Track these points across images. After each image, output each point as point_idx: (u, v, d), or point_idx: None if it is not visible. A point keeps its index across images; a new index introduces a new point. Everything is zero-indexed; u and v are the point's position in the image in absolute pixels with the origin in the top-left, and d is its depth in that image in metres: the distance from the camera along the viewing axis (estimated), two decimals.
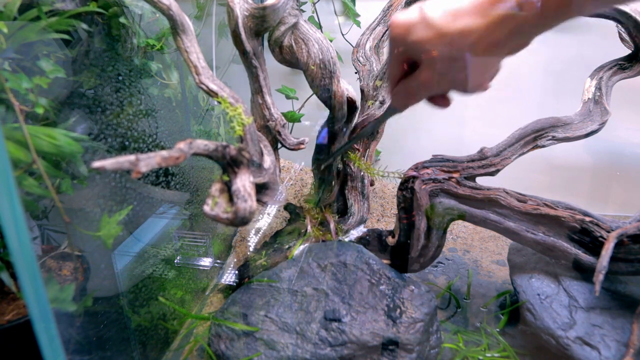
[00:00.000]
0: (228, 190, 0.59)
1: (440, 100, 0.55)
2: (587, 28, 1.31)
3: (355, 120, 1.10)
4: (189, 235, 1.11)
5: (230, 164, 0.60)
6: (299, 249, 1.06)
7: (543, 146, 0.97)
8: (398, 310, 0.85)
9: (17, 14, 0.69)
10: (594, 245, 0.88)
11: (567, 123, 0.99)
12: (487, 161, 0.96)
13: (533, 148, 0.97)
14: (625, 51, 1.06)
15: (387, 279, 0.91)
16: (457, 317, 1.06)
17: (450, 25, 0.46)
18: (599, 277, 0.82)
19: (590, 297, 0.88)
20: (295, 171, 1.65)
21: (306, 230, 1.13)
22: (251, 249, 1.27)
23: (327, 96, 0.95)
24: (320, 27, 1.46)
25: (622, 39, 1.06)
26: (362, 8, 1.49)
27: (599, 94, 1.03)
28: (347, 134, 1.07)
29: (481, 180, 0.98)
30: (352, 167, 1.15)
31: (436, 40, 0.46)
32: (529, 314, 0.90)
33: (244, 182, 0.59)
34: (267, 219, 1.40)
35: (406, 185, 0.99)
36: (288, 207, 1.22)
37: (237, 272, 1.13)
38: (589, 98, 1.03)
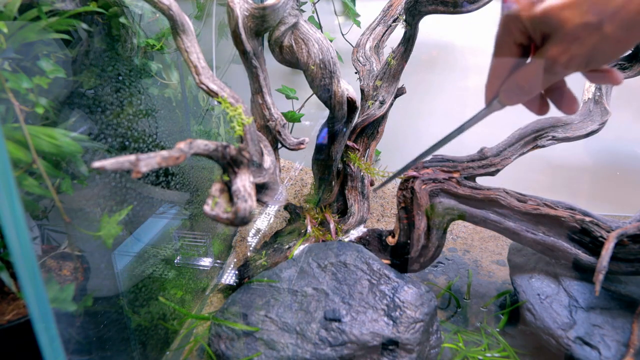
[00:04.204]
0: (228, 190, 0.59)
1: (539, 103, 0.50)
2: None
3: (355, 120, 1.10)
4: (189, 235, 1.11)
5: (230, 164, 0.60)
6: (299, 249, 1.06)
7: (543, 146, 0.97)
8: (398, 310, 0.85)
9: (17, 14, 0.69)
10: (594, 245, 0.88)
11: (567, 123, 0.99)
12: (487, 161, 0.96)
13: (533, 148, 0.97)
14: None
15: (387, 279, 0.91)
16: (457, 317, 1.06)
17: None
18: (599, 277, 0.82)
19: (590, 297, 0.88)
20: (295, 171, 1.65)
21: (306, 230, 1.13)
22: (251, 249, 1.27)
23: (327, 96, 0.95)
24: (320, 27, 1.46)
25: None
26: (362, 8, 1.49)
27: (599, 94, 1.03)
28: (347, 134, 1.07)
29: (481, 180, 0.98)
30: (352, 167, 1.16)
31: (576, 5, 0.40)
32: (529, 314, 0.90)
33: (244, 182, 0.59)
34: (267, 219, 1.40)
35: (406, 185, 0.99)
36: (288, 207, 1.22)
37: (237, 272, 1.13)
38: (589, 98, 1.03)
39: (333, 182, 1.16)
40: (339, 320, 0.84)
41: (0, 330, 0.75)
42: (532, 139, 0.97)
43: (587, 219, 0.88)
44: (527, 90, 0.48)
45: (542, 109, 0.50)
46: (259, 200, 0.73)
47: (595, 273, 0.83)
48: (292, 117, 1.41)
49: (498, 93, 0.50)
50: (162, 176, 0.99)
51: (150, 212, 0.98)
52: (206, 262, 1.14)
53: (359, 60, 1.22)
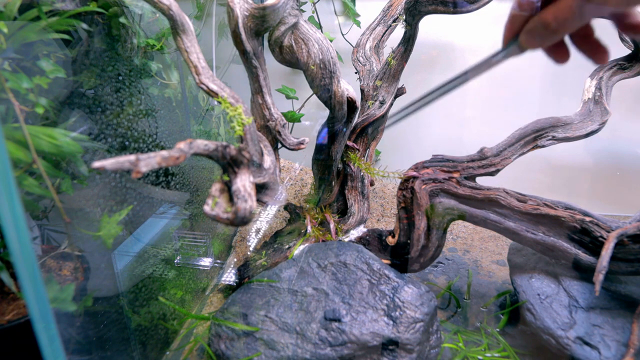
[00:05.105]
0: (228, 190, 0.59)
1: (561, 50, 0.45)
2: None
3: (355, 120, 1.10)
4: (189, 235, 1.11)
5: (230, 164, 0.60)
6: (299, 249, 1.06)
7: (543, 146, 0.97)
8: (398, 310, 0.85)
9: (17, 14, 0.69)
10: (594, 245, 0.88)
11: (567, 123, 0.99)
12: (487, 161, 0.95)
13: (533, 148, 0.97)
14: (625, 51, 1.06)
15: (387, 279, 0.91)
16: (457, 317, 1.06)
17: None
18: (599, 277, 0.82)
19: (590, 297, 0.88)
20: (295, 171, 1.65)
21: (306, 230, 1.13)
22: (251, 249, 1.27)
23: (327, 96, 0.95)
24: (320, 27, 1.46)
25: (622, 39, 1.07)
26: (362, 8, 1.49)
27: (599, 94, 1.03)
28: (347, 134, 1.07)
29: (481, 180, 0.98)
30: (352, 167, 1.15)
31: None
32: (529, 314, 0.90)
33: (244, 182, 0.59)
34: (267, 219, 1.40)
35: (406, 185, 0.99)
36: (288, 207, 1.22)
37: (237, 272, 1.13)
38: (589, 98, 1.03)
39: (333, 182, 1.16)
40: (339, 320, 0.84)
41: (0, 330, 0.75)
42: (532, 139, 0.97)
43: (587, 219, 0.88)
44: (555, 30, 0.42)
45: (563, 56, 0.46)
46: (259, 200, 0.74)
47: (595, 273, 0.83)
48: (292, 117, 1.41)
49: (518, 35, 0.45)
50: (162, 176, 0.99)
51: (150, 212, 0.98)
52: (206, 262, 1.14)
53: (359, 60, 1.22)
